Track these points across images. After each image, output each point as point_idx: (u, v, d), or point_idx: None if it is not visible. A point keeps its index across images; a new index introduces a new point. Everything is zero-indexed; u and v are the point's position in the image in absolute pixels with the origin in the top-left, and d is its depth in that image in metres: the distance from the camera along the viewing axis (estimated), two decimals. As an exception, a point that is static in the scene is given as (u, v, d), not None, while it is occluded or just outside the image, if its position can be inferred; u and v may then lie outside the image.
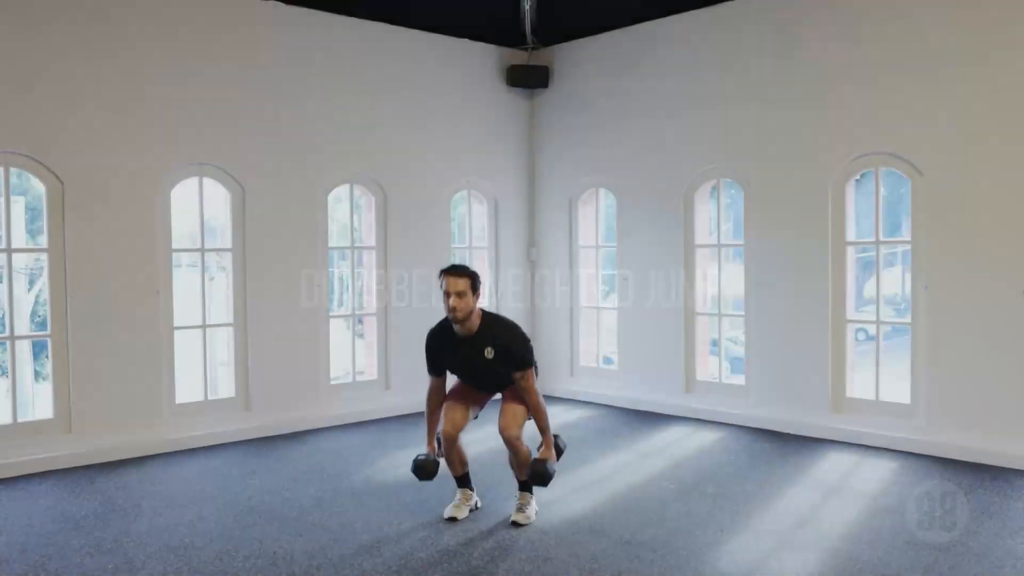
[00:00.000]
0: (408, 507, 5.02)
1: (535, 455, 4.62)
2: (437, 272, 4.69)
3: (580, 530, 4.60)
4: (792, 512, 4.87)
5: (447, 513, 4.80)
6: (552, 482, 4.62)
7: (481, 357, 4.56)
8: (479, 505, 4.96)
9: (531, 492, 4.82)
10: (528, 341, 4.67)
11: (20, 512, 5.02)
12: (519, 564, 4.12)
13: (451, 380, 4.89)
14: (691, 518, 4.77)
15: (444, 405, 4.75)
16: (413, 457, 4.78)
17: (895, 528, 4.55)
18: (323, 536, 4.54)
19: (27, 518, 4.90)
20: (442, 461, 4.79)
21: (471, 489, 4.92)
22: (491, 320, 4.63)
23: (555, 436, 4.75)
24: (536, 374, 4.68)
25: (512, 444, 4.60)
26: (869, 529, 4.56)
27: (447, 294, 4.47)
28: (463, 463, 4.82)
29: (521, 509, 4.75)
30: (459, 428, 4.67)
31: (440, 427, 4.70)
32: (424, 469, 4.67)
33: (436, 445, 4.75)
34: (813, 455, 6.14)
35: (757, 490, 5.30)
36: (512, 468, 4.78)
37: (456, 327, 4.56)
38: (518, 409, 4.65)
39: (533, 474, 4.52)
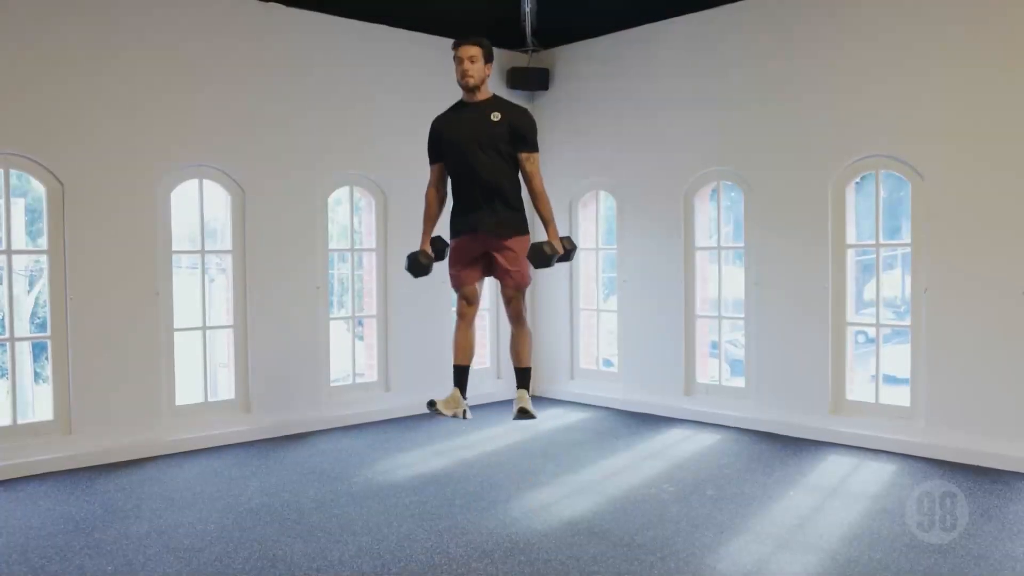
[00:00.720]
0: (408, 509, 5.02)
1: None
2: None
3: (580, 532, 4.60)
4: (792, 514, 4.88)
5: (432, 399, 4.62)
6: (552, 262, 4.57)
7: (487, 120, 4.49)
8: (468, 415, 4.77)
9: (528, 389, 4.75)
10: (536, 125, 4.63)
11: (20, 514, 5.02)
12: (518, 566, 4.12)
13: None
14: (691, 520, 4.77)
15: (456, 286, 4.69)
16: (407, 254, 4.71)
17: (894, 530, 4.56)
18: (323, 538, 4.54)
19: (27, 520, 4.90)
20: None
21: (464, 395, 4.76)
22: (502, 99, 4.65)
23: (564, 238, 4.69)
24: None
25: (518, 318, 4.62)
26: (869, 531, 4.56)
27: (459, 60, 4.45)
28: (467, 352, 4.71)
29: (522, 400, 4.68)
30: (473, 300, 4.66)
31: (455, 308, 4.67)
32: (417, 262, 4.60)
33: (430, 247, 4.70)
34: (813, 457, 6.15)
35: (757, 492, 5.31)
36: (512, 354, 4.76)
37: (466, 96, 4.55)
38: (521, 275, 4.64)
39: (533, 252, 4.44)
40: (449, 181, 4.76)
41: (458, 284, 4.71)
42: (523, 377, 4.77)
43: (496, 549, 4.35)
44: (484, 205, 4.58)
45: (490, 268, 4.72)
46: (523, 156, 4.50)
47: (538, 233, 4.87)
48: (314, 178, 7.29)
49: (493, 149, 4.51)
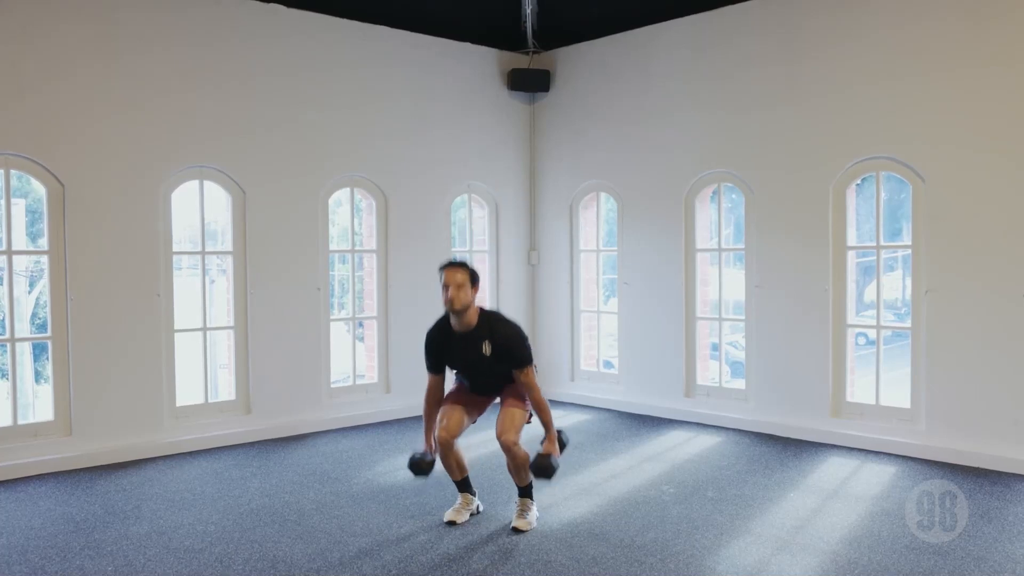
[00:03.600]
0: (408, 511, 5.02)
1: (539, 450, 4.61)
2: (438, 275, 4.72)
3: (580, 534, 4.60)
4: (792, 516, 4.87)
5: (446, 517, 4.80)
6: (555, 476, 4.59)
7: (479, 352, 4.56)
8: (480, 509, 4.96)
9: (531, 498, 4.80)
10: (526, 339, 4.66)
11: (20, 514, 5.02)
12: (519, 568, 4.12)
13: (450, 382, 4.89)
14: (691, 522, 4.77)
15: (441, 410, 4.73)
16: (410, 455, 4.78)
17: (895, 532, 4.55)
18: (323, 539, 4.54)
19: (27, 520, 4.90)
20: (440, 464, 4.78)
21: (472, 494, 4.91)
22: (489, 317, 4.65)
23: (558, 432, 4.72)
24: (535, 370, 4.69)
25: (510, 449, 4.58)
26: (869, 533, 4.56)
27: (446, 287, 4.50)
28: (461, 468, 4.80)
29: (521, 515, 4.73)
30: (455, 434, 4.65)
31: (435, 433, 4.68)
32: (419, 466, 4.66)
33: (432, 444, 4.74)
34: (813, 459, 6.15)
35: (757, 494, 5.30)
36: (511, 473, 4.77)
37: (454, 321, 4.57)
38: (516, 414, 4.64)
39: (537, 467, 4.49)
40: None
41: (447, 401, 4.76)
42: (525, 490, 4.81)
43: (496, 550, 4.35)
44: (488, 391, 4.86)
45: (483, 409, 4.89)
46: (517, 373, 4.61)
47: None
48: (315, 179, 7.29)
49: (488, 368, 4.65)
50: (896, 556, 4.21)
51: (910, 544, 4.37)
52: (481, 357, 4.57)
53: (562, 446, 4.71)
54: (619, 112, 8.08)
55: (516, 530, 4.65)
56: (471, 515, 4.87)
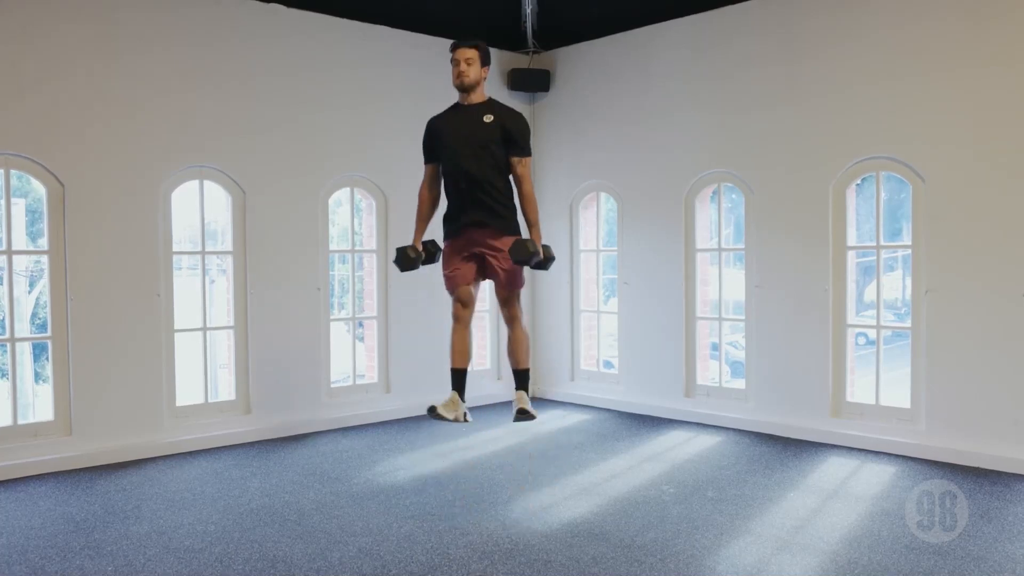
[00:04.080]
0: (408, 510, 5.02)
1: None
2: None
3: (580, 533, 4.60)
4: (792, 516, 4.88)
5: (432, 403, 4.67)
6: (532, 260, 4.55)
7: (480, 123, 4.52)
8: (468, 418, 4.81)
9: (527, 390, 4.77)
10: (529, 129, 4.64)
11: (20, 514, 5.02)
12: (519, 567, 4.12)
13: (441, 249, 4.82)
14: (691, 522, 4.77)
15: (449, 281, 4.69)
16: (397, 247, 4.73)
17: (895, 532, 4.56)
18: (323, 539, 4.54)
19: (27, 520, 4.90)
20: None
21: (463, 398, 4.79)
22: (497, 102, 4.67)
23: (545, 247, 4.66)
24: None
25: (514, 320, 4.64)
26: (869, 533, 4.56)
27: (455, 61, 4.50)
28: (465, 354, 4.72)
29: (522, 401, 4.68)
30: (468, 303, 4.66)
31: (452, 310, 4.67)
32: (406, 256, 4.62)
33: (422, 247, 4.71)
34: (813, 459, 6.15)
35: (757, 494, 5.31)
36: (510, 356, 4.75)
37: (461, 97, 4.60)
38: (516, 276, 4.64)
39: (517, 248, 4.43)
40: (443, 183, 4.77)
41: (452, 286, 4.71)
42: (521, 378, 4.78)
43: (496, 550, 4.35)
44: (475, 206, 4.63)
45: (484, 271, 4.72)
46: (514, 160, 4.55)
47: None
48: (315, 179, 7.29)
49: (485, 151, 4.54)
50: (896, 556, 4.21)
51: (910, 544, 4.38)
52: (482, 128, 4.50)
53: (548, 257, 4.65)
54: (619, 112, 8.08)
55: (522, 412, 4.62)
56: (455, 419, 4.71)
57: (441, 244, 4.84)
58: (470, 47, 4.52)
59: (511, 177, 4.65)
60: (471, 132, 4.53)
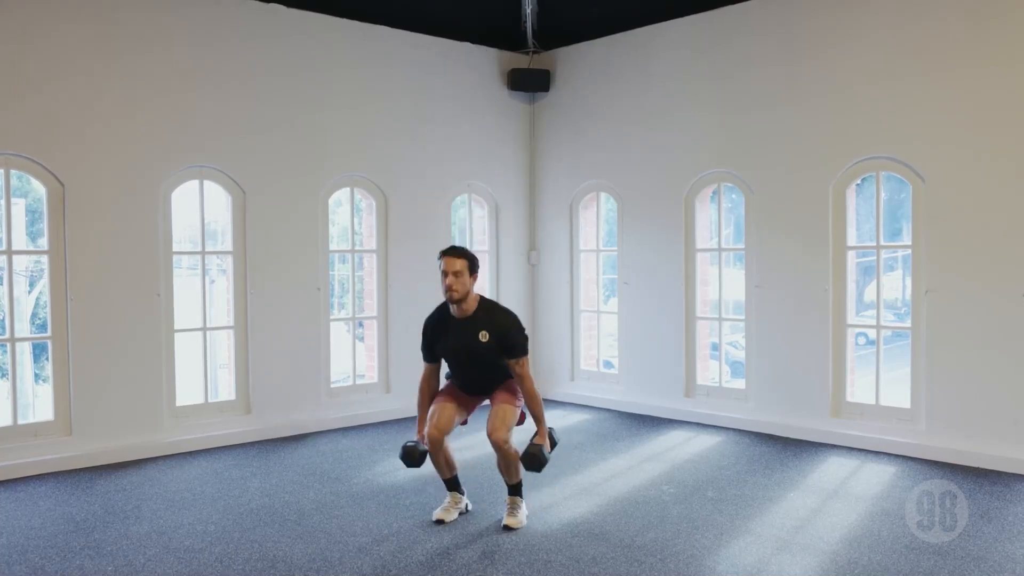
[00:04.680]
0: (408, 510, 5.02)
1: (531, 441, 4.61)
2: (438, 272, 4.76)
3: (580, 534, 4.60)
4: (792, 516, 4.88)
5: (435, 515, 4.81)
6: (544, 468, 4.58)
7: (476, 340, 4.56)
8: (470, 508, 4.96)
9: (521, 496, 4.81)
10: (523, 328, 4.67)
11: (20, 514, 5.02)
12: (519, 568, 4.12)
13: (442, 382, 4.89)
14: (691, 522, 4.77)
15: (431, 407, 4.74)
16: (403, 444, 4.77)
17: (895, 532, 4.56)
18: (323, 539, 4.54)
19: (27, 520, 4.90)
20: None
21: (461, 493, 4.92)
22: (488, 305, 4.67)
23: (549, 429, 4.71)
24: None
25: (500, 447, 4.58)
26: (869, 533, 4.56)
27: (444, 273, 4.52)
28: (451, 466, 4.80)
29: (512, 513, 4.74)
30: (444, 432, 4.65)
31: (426, 430, 4.68)
32: (411, 455, 4.66)
33: (425, 436, 4.74)
34: (813, 459, 6.15)
35: (757, 494, 5.31)
36: (501, 472, 4.77)
37: (453, 308, 4.59)
38: (508, 411, 4.64)
39: (527, 457, 4.49)
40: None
41: (438, 401, 4.75)
42: (515, 488, 4.81)
43: (496, 550, 4.35)
44: (479, 386, 4.81)
45: (473, 408, 4.87)
46: (512, 363, 4.63)
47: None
48: (315, 179, 7.29)
49: (486, 362, 4.66)
50: (896, 556, 4.21)
51: (910, 544, 4.37)
52: (478, 344, 4.56)
53: (553, 444, 4.72)
54: (619, 112, 8.08)
55: (507, 528, 4.66)
56: (460, 514, 4.88)
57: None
58: (458, 258, 4.55)
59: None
60: (469, 347, 4.63)
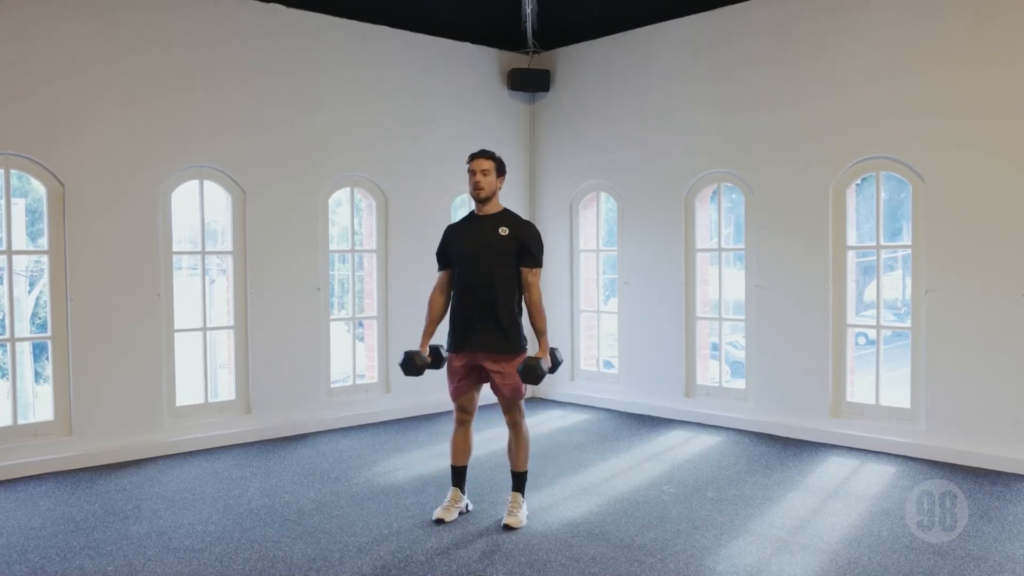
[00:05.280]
0: (408, 510, 5.02)
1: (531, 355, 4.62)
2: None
3: (580, 533, 4.60)
4: (792, 516, 4.88)
5: (435, 515, 4.82)
6: (542, 380, 4.58)
7: (495, 234, 4.62)
8: (470, 508, 4.97)
9: (523, 493, 4.82)
10: (542, 242, 4.75)
11: (20, 514, 5.02)
12: (519, 568, 4.12)
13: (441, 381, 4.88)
14: (691, 522, 4.77)
15: (454, 395, 4.77)
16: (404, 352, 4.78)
17: (895, 532, 4.56)
18: (323, 539, 4.54)
19: (27, 520, 4.90)
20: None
21: (462, 491, 4.93)
22: (512, 214, 4.78)
23: (552, 349, 4.72)
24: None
25: (516, 424, 4.71)
26: (869, 533, 4.56)
27: (472, 172, 4.66)
28: (467, 451, 4.85)
29: (512, 512, 4.74)
30: (471, 412, 4.79)
31: (454, 415, 4.81)
32: (412, 361, 4.68)
33: (429, 352, 4.76)
34: (813, 459, 6.15)
35: (757, 494, 5.31)
36: (509, 455, 4.80)
37: (477, 208, 4.72)
38: (515, 400, 4.70)
39: (525, 368, 4.49)
40: (453, 290, 4.85)
41: (455, 395, 4.83)
42: (518, 481, 4.82)
43: (496, 550, 4.35)
44: (482, 322, 4.65)
45: (484, 377, 4.82)
46: (525, 269, 4.66)
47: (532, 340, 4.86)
48: (315, 179, 7.29)
49: (498, 262, 4.63)
50: (896, 556, 4.21)
51: (910, 544, 4.38)
52: (496, 239, 4.61)
53: (555, 362, 4.71)
54: (619, 112, 8.08)
55: (507, 527, 4.66)
56: (460, 513, 4.89)
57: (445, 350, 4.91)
58: (486, 158, 4.69)
59: (521, 286, 4.72)
60: (487, 242, 4.66)
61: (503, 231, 4.62)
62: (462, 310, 4.71)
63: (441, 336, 4.85)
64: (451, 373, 4.80)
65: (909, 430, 6.24)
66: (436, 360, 4.84)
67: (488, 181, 4.63)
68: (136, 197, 6.37)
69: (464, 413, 4.79)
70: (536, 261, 4.65)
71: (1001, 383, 5.82)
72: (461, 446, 4.84)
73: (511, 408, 4.72)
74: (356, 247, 8.03)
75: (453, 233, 4.83)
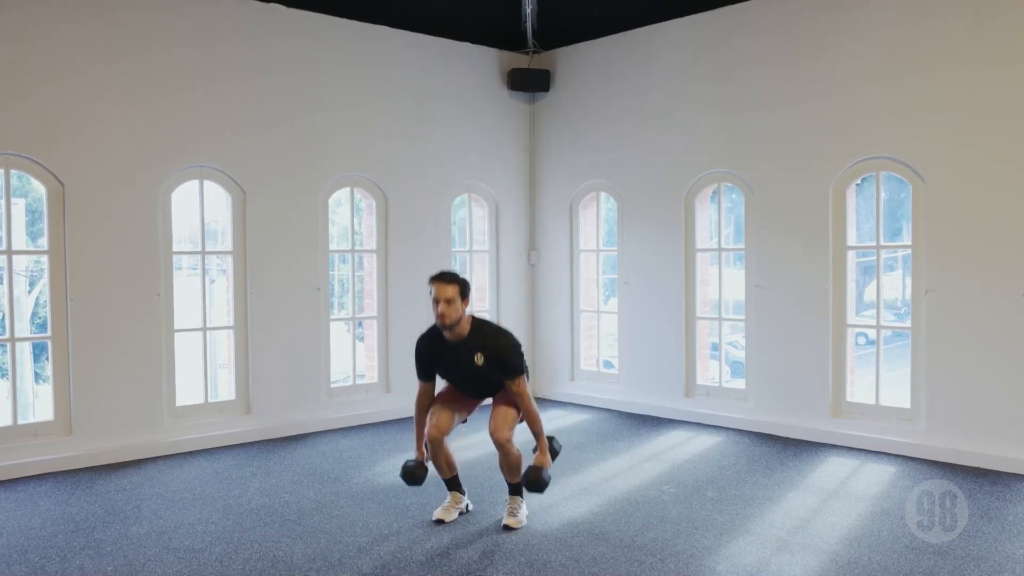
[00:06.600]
0: (408, 510, 5.02)
1: (530, 462, 4.61)
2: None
3: (580, 533, 4.60)
4: (792, 516, 4.88)
5: (435, 515, 4.82)
6: (548, 489, 4.61)
7: (471, 363, 4.56)
8: (470, 508, 4.97)
9: (521, 495, 4.82)
10: (518, 347, 4.64)
11: (20, 514, 5.02)
12: (519, 568, 4.12)
13: (440, 384, 4.89)
14: (691, 522, 4.77)
15: (431, 409, 4.74)
16: (403, 463, 4.79)
17: (895, 532, 4.56)
18: (323, 539, 4.54)
19: (27, 520, 4.90)
20: (431, 466, 4.78)
21: (462, 492, 4.93)
22: (481, 326, 4.63)
23: (550, 439, 4.73)
24: (527, 378, 4.66)
25: (503, 447, 4.59)
26: (869, 533, 4.56)
27: (436, 300, 4.47)
28: (451, 466, 4.81)
29: (512, 513, 4.74)
30: (444, 432, 4.67)
31: (426, 430, 4.69)
32: (412, 475, 4.68)
33: (424, 450, 4.75)
34: (813, 459, 6.15)
35: (757, 494, 5.31)
36: (502, 471, 4.78)
37: (446, 333, 4.57)
38: (509, 412, 4.64)
39: (529, 481, 4.52)
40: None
41: (437, 408, 4.73)
42: (516, 487, 4.80)
43: (496, 550, 4.35)
44: (480, 395, 4.89)
45: (474, 407, 4.89)
46: (509, 382, 4.60)
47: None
48: (315, 179, 7.29)
49: (484, 382, 4.68)
50: (896, 556, 4.21)
51: (910, 544, 4.37)
52: (473, 368, 4.57)
53: (554, 455, 4.74)
54: (619, 112, 8.08)
55: (507, 528, 4.66)
56: (460, 514, 4.89)
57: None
58: (449, 284, 4.49)
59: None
60: (465, 371, 4.64)
61: (478, 360, 4.53)
62: (459, 392, 4.86)
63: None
64: (440, 396, 4.82)
65: (909, 430, 6.24)
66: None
67: (453, 309, 4.44)
68: (136, 197, 6.37)
69: (436, 432, 4.64)
70: (516, 371, 4.55)
71: (1001, 383, 5.82)
72: (446, 463, 4.78)
73: (503, 427, 4.57)
74: (356, 247, 8.03)
75: (430, 351, 4.70)
